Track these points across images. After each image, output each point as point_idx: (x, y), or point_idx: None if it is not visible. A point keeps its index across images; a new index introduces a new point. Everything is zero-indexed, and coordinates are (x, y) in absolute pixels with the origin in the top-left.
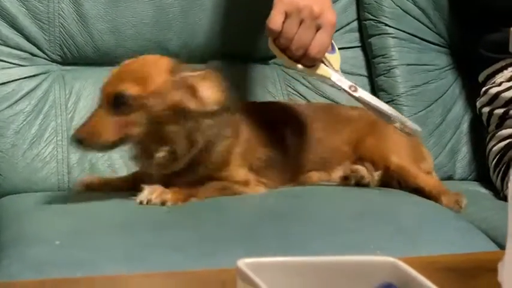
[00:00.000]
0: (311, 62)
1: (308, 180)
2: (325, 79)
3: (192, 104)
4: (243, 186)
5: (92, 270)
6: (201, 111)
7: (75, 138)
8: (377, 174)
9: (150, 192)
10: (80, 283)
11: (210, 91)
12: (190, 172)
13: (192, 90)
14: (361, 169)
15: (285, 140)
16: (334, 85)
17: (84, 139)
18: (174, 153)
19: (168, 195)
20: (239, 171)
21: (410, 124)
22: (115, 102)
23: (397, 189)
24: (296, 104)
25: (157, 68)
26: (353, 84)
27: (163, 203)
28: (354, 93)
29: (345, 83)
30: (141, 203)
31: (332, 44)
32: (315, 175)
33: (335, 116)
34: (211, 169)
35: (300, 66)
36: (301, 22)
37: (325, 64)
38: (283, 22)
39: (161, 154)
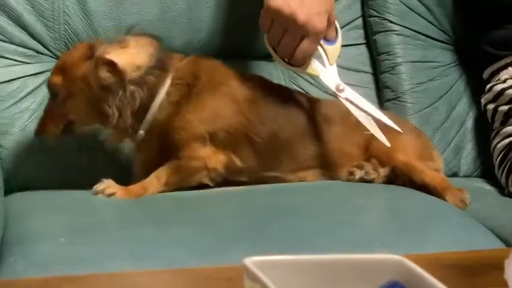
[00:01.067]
0: (298, 63)
1: (302, 178)
2: (314, 77)
3: (111, 79)
4: (199, 161)
5: (97, 267)
6: (123, 82)
7: (35, 135)
8: (383, 171)
9: (100, 186)
10: (84, 280)
11: (126, 60)
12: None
13: (110, 65)
14: (367, 164)
15: (280, 125)
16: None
17: (40, 135)
18: (118, 127)
19: (114, 189)
20: (193, 144)
21: (381, 137)
22: (51, 93)
23: (402, 186)
24: (313, 97)
25: (77, 54)
26: (342, 83)
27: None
28: (340, 94)
29: (332, 82)
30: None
31: (337, 29)
32: (310, 174)
33: (346, 117)
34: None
35: (288, 65)
36: (286, 30)
37: (324, 54)
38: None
39: (108, 132)
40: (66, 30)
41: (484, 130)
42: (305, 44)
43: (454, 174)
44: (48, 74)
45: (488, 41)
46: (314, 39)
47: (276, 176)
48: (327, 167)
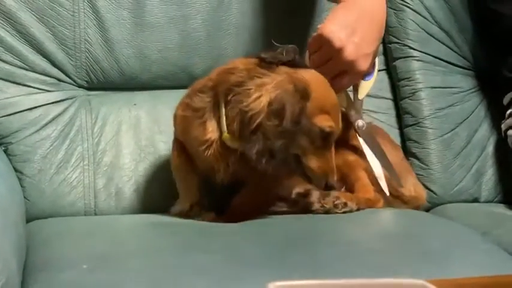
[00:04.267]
0: None
1: None
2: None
3: None
4: None
5: None
6: None
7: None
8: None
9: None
10: None
11: None
12: None
13: None
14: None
15: None
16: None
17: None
18: None
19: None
20: None
21: (383, 185)
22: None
23: (421, 211)
24: None
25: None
26: (363, 121)
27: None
28: (359, 131)
29: (355, 117)
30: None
31: (374, 64)
32: None
33: None
34: None
35: None
36: (330, 59)
37: (356, 86)
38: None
39: None
40: (88, 58)
41: (505, 155)
42: (344, 80)
43: (475, 200)
44: (69, 101)
45: (508, 66)
46: (354, 78)
47: None
48: None
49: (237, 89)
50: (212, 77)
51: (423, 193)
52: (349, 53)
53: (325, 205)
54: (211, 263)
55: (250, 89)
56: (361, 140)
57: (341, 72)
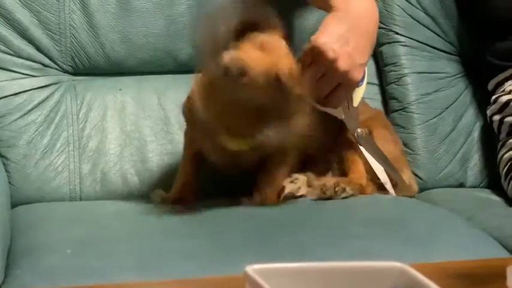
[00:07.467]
0: (327, 105)
1: None
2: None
3: None
4: None
5: (103, 279)
6: None
7: None
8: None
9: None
10: None
11: None
12: None
13: None
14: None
15: None
16: None
17: None
18: None
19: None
20: None
21: (390, 189)
22: None
23: (407, 198)
24: None
25: None
26: (361, 129)
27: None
28: (359, 139)
29: (353, 126)
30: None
31: (364, 73)
32: None
33: None
34: None
35: (313, 101)
36: (324, 74)
37: None
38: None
39: None
40: (73, 43)
41: (490, 141)
42: (340, 92)
43: (461, 185)
44: (54, 87)
45: (492, 52)
46: (349, 89)
47: None
48: None
49: None
50: None
51: (415, 186)
52: (343, 63)
53: (325, 192)
54: (196, 248)
55: None
56: (362, 148)
57: (336, 85)
